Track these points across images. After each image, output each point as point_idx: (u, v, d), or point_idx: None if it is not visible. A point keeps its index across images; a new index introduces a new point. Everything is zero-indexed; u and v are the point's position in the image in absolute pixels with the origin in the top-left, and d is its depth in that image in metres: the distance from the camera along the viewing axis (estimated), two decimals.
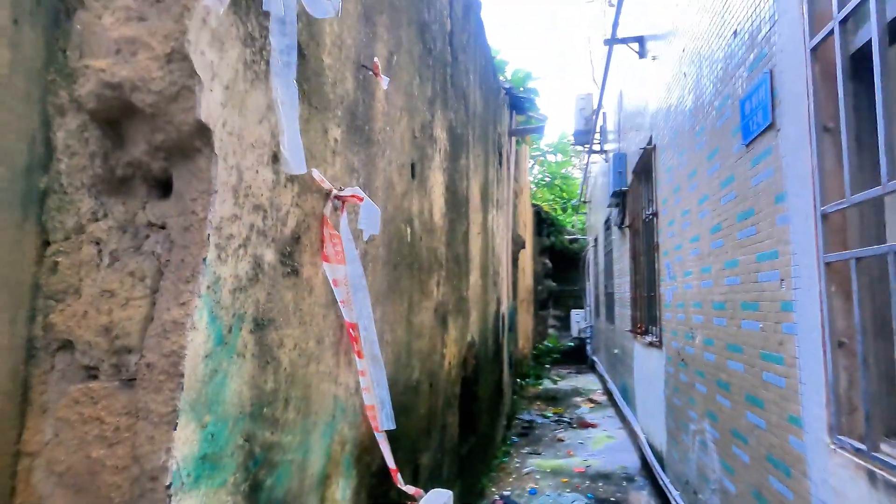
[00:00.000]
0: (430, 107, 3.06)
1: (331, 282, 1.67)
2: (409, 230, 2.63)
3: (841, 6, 1.62)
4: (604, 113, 9.08)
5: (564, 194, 15.55)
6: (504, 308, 6.83)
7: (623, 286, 7.02)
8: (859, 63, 1.62)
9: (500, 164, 6.54)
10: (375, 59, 2.04)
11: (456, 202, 3.79)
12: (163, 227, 1.15)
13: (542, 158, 15.52)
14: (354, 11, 1.93)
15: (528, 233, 12.01)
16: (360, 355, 1.77)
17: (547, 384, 10.40)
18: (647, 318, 5.46)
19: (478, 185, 4.78)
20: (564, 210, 15.50)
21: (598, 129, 9.34)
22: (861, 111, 1.63)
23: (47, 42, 1.18)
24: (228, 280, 1.19)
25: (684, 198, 3.61)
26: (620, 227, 6.94)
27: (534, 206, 13.42)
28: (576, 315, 13.24)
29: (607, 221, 8.80)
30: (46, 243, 1.15)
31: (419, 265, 2.81)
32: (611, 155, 7.57)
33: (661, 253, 4.48)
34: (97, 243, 1.13)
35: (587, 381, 10.89)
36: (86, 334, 1.08)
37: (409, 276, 2.61)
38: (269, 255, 1.37)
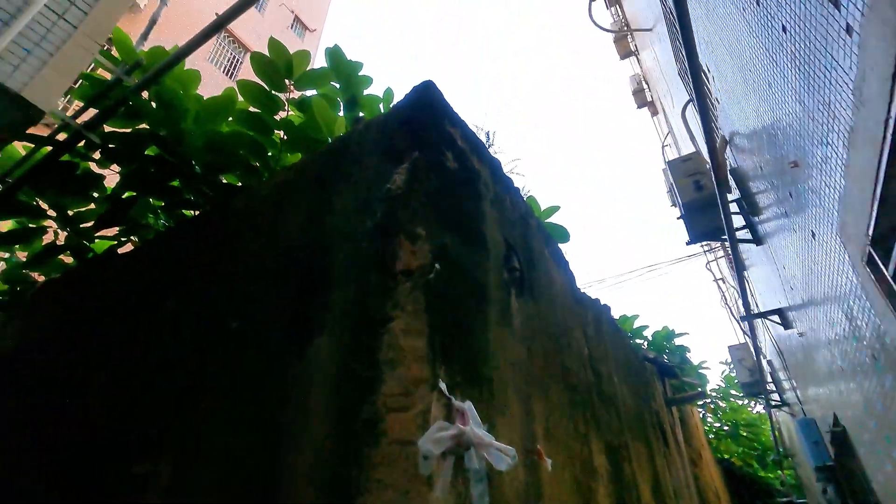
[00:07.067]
0: (584, 442, 3.37)
1: None
2: None
3: None
4: (769, 361, 8.46)
5: (756, 444, 13.11)
6: None
7: None
8: None
9: (667, 443, 6.18)
10: (539, 445, 2.52)
11: None
12: None
13: (712, 406, 13.89)
14: (519, 414, 2.51)
15: (722, 502, 9.99)
16: None
17: None
18: None
19: (647, 485, 4.57)
20: (764, 465, 12.86)
21: (769, 378, 8.56)
22: None
23: None
24: None
25: None
26: None
27: (721, 461, 11.39)
28: None
29: (825, 492, 7.17)
30: None
31: None
32: (794, 411, 6.74)
33: None
34: None
35: None
36: None
37: None
38: None
